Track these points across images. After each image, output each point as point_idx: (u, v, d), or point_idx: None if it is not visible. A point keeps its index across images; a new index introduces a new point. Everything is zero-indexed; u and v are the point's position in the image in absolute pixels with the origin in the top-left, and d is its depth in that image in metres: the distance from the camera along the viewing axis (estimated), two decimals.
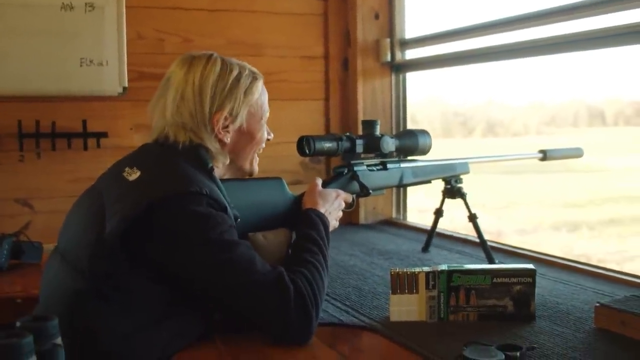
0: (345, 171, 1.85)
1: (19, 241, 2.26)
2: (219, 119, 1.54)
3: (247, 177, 1.70)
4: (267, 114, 1.68)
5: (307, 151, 1.77)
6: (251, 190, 1.67)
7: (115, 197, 1.43)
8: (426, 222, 2.58)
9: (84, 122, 2.58)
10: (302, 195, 1.74)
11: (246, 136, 1.62)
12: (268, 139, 1.72)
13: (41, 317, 1.02)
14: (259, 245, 1.58)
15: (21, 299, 1.98)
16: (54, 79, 2.57)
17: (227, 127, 1.56)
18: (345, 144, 1.83)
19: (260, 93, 1.65)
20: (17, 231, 2.39)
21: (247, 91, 1.59)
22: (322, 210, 1.68)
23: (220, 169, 1.60)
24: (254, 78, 1.63)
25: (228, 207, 1.47)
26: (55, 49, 2.57)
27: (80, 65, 2.60)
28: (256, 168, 1.71)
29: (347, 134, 1.88)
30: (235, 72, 1.58)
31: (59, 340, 1.01)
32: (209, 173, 1.51)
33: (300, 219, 1.65)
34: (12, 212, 2.55)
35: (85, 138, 2.58)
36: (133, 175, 1.45)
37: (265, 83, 2.84)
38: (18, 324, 1.00)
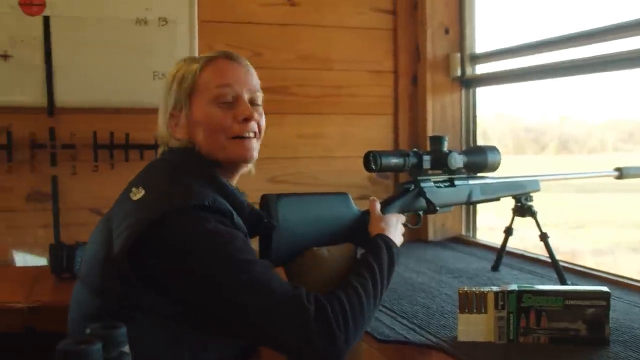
0: (412, 187, 1.83)
1: None
2: (170, 118, 1.56)
3: (243, 164, 1.59)
4: (226, 91, 1.53)
5: (373, 167, 1.75)
6: (316, 205, 1.66)
7: (121, 218, 1.42)
8: (496, 240, 2.53)
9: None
10: (368, 212, 1.71)
11: (197, 126, 1.53)
12: (244, 120, 1.53)
13: (110, 324, 1.03)
14: (322, 258, 1.57)
15: None
16: (128, 91, 2.64)
17: (176, 123, 1.55)
18: (412, 160, 1.81)
19: (204, 72, 1.53)
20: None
21: (183, 79, 1.54)
22: (389, 235, 1.62)
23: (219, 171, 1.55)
24: (192, 62, 1.58)
25: (235, 215, 1.43)
26: (129, 63, 2.64)
27: (154, 79, 2.66)
28: (240, 153, 1.54)
29: (414, 149, 1.86)
30: (175, 68, 1.58)
31: (126, 349, 1.02)
32: (213, 181, 1.47)
33: (367, 244, 1.61)
34: (86, 221, 2.60)
35: (156, 149, 2.61)
36: (138, 194, 1.43)
37: (334, 96, 2.90)
38: (88, 331, 1.02)
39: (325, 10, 2.90)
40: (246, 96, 1.54)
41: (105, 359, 0.97)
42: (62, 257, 2.25)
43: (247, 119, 1.52)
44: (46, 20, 2.56)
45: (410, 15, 2.98)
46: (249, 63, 1.61)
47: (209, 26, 2.73)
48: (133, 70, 2.64)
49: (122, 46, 2.63)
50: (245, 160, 1.55)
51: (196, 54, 2.66)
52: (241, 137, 1.53)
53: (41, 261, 2.59)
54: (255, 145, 1.56)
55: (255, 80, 1.59)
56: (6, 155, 2.53)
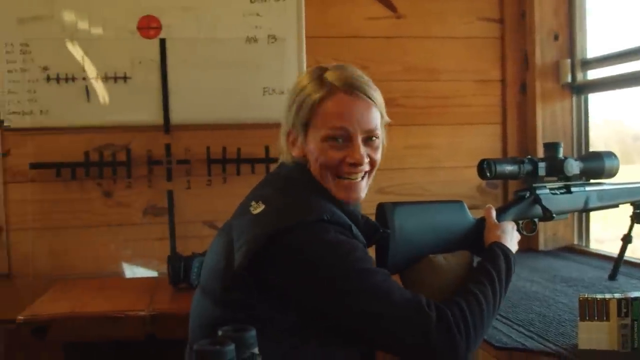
0: (527, 194, 1.80)
1: None
2: (289, 133, 1.54)
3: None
4: (339, 132, 1.46)
5: (487, 174, 1.74)
6: (431, 213, 1.66)
7: (242, 231, 1.44)
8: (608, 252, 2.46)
9: (266, 148, 2.70)
10: (483, 219, 1.70)
11: (310, 154, 1.50)
12: (350, 163, 1.47)
13: (241, 327, 1.07)
14: (439, 266, 1.57)
15: None
16: (239, 107, 2.72)
17: (293, 142, 1.53)
18: (527, 167, 1.79)
19: (319, 108, 1.46)
20: (205, 251, 2.53)
21: (300, 107, 1.48)
22: (506, 243, 1.61)
23: None
24: (313, 91, 1.47)
25: (353, 227, 1.43)
26: (240, 80, 2.73)
27: (263, 94, 2.73)
28: (344, 195, 1.50)
29: (529, 156, 1.83)
30: (301, 85, 1.51)
31: (256, 350, 1.05)
32: (327, 192, 1.48)
33: (484, 252, 1.60)
34: (200, 234, 2.70)
35: (267, 163, 2.70)
36: (258, 209, 1.44)
37: (441, 107, 2.90)
38: (220, 332, 1.05)
39: (431, 21, 2.90)
40: (360, 137, 1.47)
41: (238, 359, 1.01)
42: (179, 268, 2.33)
43: (356, 164, 1.47)
44: (162, 43, 2.68)
45: (518, 23, 2.94)
46: (373, 92, 1.49)
47: (316, 41, 2.78)
48: (244, 87, 2.72)
49: (233, 64, 2.72)
50: (349, 202, 1.51)
51: (304, 69, 2.72)
52: (348, 179, 1.49)
53: (149, 273, 2.71)
54: (362, 186, 1.51)
55: (373, 115, 1.49)
56: (126, 172, 2.65)
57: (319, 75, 1.49)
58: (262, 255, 1.35)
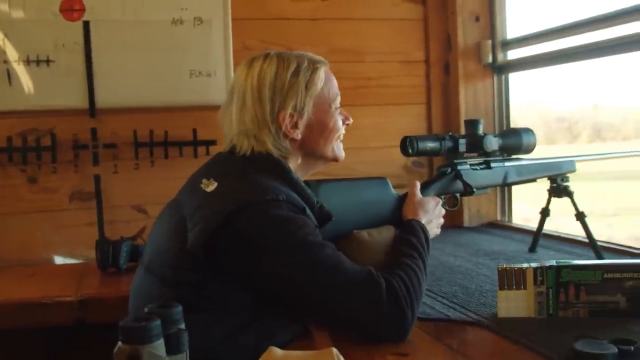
0: (449, 170, 1.86)
1: (136, 244, 2.39)
2: (284, 118, 1.53)
3: (333, 162, 1.68)
4: (338, 99, 1.65)
5: (410, 151, 1.79)
6: (355, 190, 1.70)
7: (194, 208, 1.45)
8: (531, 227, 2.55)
9: (194, 130, 2.69)
10: (406, 195, 1.75)
11: (318, 128, 1.59)
12: (347, 124, 1.69)
13: (167, 304, 1.08)
14: (363, 242, 1.61)
15: None
16: (165, 90, 2.70)
17: (295, 124, 1.55)
18: (448, 144, 1.85)
19: (324, 81, 1.60)
20: (134, 235, 2.53)
21: (309, 83, 1.55)
22: (424, 221, 1.67)
23: (296, 167, 1.60)
24: (314, 68, 1.58)
25: (307, 209, 1.48)
26: (166, 62, 2.71)
27: (190, 77, 2.72)
28: (341, 153, 1.68)
29: (450, 133, 1.89)
30: (292, 67, 1.55)
31: (182, 326, 1.07)
32: (286, 177, 1.51)
33: (402, 226, 1.66)
34: (129, 218, 2.69)
35: (195, 146, 2.69)
36: (210, 186, 1.46)
37: (367, 88, 2.93)
38: (146, 309, 1.07)
39: (356, 3, 2.93)
40: None
41: (165, 335, 1.02)
42: (108, 252, 2.32)
43: (349, 124, 1.69)
44: (86, 25, 2.63)
45: (441, 5, 3.00)
46: None
47: (243, 24, 2.78)
48: (170, 70, 2.70)
49: (159, 47, 2.70)
50: (342, 158, 1.68)
51: (231, 51, 2.73)
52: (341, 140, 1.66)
53: (78, 260, 2.67)
54: None
55: None
56: (51, 157, 2.61)
57: (299, 55, 1.59)
58: (217, 234, 1.37)
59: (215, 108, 2.65)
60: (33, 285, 2.30)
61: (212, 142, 2.70)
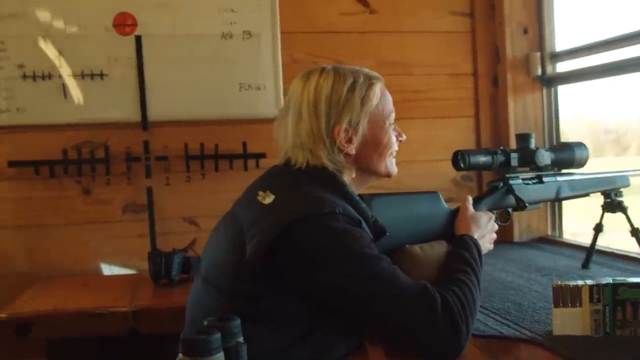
0: (501, 185, 1.85)
1: (188, 256, 2.42)
2: (339, 132, 1.53)
3: (385, 177, 1.68)
4: (393, 115, 1.65)
5: (461, 165, 1.79)
6: (408, 204, 1.70)
7: (252, 220, 1.46)
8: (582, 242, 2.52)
9: (244, 144, 2.73)
10: (458, 209, 1.74)
11: (372, 143, 1.59)
12: (400, 140, 1.69)
13: (226, 317, 1.10)
14: (415, 256, 1.61)
15: None
16: (216, 103, 2.75)
17: (350, 139, 1.55)
18: (500, 158, 1.84)
19: (380, 97, 1.59)
20: (185, 247, 2.57)
21: (364, 99, 1.55)
22: (476, 236, 1.66)
23: (350, 181, 1.60)
24: (370, 84, 1.58)
25: (363, 222, 1.48)
26: (216, 76, 2.75)
27: (240, 90, 2.76)
28: (394, 169, 1.68)
29: (501, 147, 1.88)
30: (349, 82, 1.55)
31: (241, 339, 1.09)
32: (341, 191, 1.52)
33: (455, 241, 1.65)
34: (180, 230, 2.73)
35: (245, 159, 2.73)
36: (267, 199, 1.47)
37: (414, 101, 2.93)
38: (206, 322, 1.09)
39: (404, 16, 2.95)
40: None
41: (224, 348, 1.04)
42: (160, 264, 2.36)
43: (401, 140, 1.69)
44: (138, 40, 2.70)
45: (488, 16, 2.99)
46: None
47: (291, 37, 2.82)
48: (220, 83, 2.75)
49: (209, 61, 2.75)
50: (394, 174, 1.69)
51: (280, 65, 2.76)
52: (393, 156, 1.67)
53: (130, 270, 2.73)
54: None
55: None
56: (104, 169, 2.67)
57: (355, 70, 1.59)
58: (274, 246, 1.38)
59: (264, 121, 2.74)
60: (87, 295, 2.35)
61: (262, 155, 2.72)
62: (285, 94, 2.71)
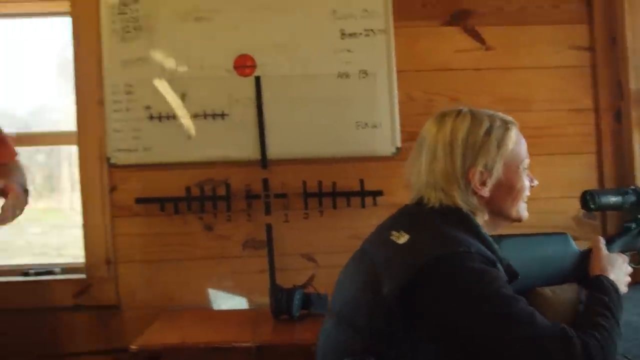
0: (634, 226, 1.79)
1: (308, 293, 2.45)
2: (474, 174, 1.53)
3: (516, 222, 1.66)
4: (527, 161, 1.64)
5: (591, 206, 1.75)
6: (537, 246, 1.68)
7: (387, 260, 1.47)
8: None
9: (361, 181, 2.75)
10: (589, 251, 1.70)
11: (505, 188, 1.58)
12: (533, 185, 1.68)
13: (363, 357, 1.11)
14: (547, 299, 1.58)
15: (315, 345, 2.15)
16: (333, 142, 2.79)
17: (484, 181, 1.55)
18: (631, 198, 1.78)
19: (515, 142, 1.60)
20: (304, 283, 2.61)
21: (500, 143, 1.56)
22: (612, 277, 1.61)
23: (482, 224, 1.58)
24: (506, 128, 1.59)
25: (497, 263, 1.47)
26: (333, 114, 2.80)
27: (356, 128, 2.79)
28: (525, 214, 1.67)
29: (633, 187, 1.82)
30: (485, 125, 1.56)
31: None
32: (474, 231, 1.51)
33: (590, 283, 1.60)
34: (299, 266, 2.77)
35: (362, 197, 2.75)
36: (401, 238, 1.48)
37: (534, 138, 2.83)
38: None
39: (521, 52, 2.91)
40: None
41: None
42: (281, 300, 2.40)
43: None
44: (257, 81, 2.79)
45: (610, 50, 2.91)
46: None
47: (407, 75, 2.84)
48: (337, 122, 2.79)
49: (326, 100, 2.80)
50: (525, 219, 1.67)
51: (396, 103, 2.78)
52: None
53: (250, 305, 2.79)
54: None
55: None
56: (225, 206, 2.75)
57: (491, 114, 1.61)
58: (410, 286, 1.39)
59: (381, 159, 2.77)
60: (210, 329, 2.42)
61: (379, 193, 2.74)
62: (402, 131, 2.77)
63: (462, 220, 1.53)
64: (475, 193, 1.56)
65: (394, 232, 1.52)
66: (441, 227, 1.50)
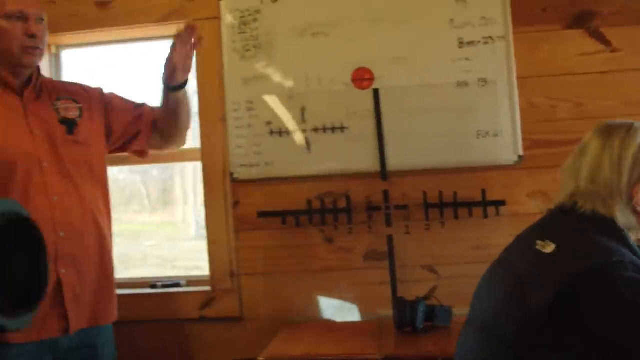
0: None
1: (432, 305, 2.42)
2: (637, 192, 1.49)
3: None
4: None
5: None
6: None
7: (533, 270, 1.45)
8: None
9: (483, 191, 2.70)
10: None
11: None
12: None
13: None
14: None
15: (441, 358, 2.12)
16: (453, 151, 2.75)
17: None
18: None
19: None
20: (426, 295, 2.57)
21: None
22: None
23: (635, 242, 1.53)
24: None
25: None
26: (453, 124, 2.77)
27: (477, 137, 2.75)
28: None
29: None
30: None
31: None
32: (624, 241, 1.46)
33: None
34: (419, 278, 2.75)
35: (484, 207, 2.69)
36: (547, 248, 1.45)
37: None
38: None
39: None
40: None
41: None
42: (405, 312, 2.38)
43: None
44: (376, 93, 2.79)
45: None
46: None
47: (528, 82, 2.77)
48: (457, 131, 2.76)
49: (445, 109, 2.77)
50: None
51: (517, 110, 2.72)
52: None
53: (371, 317, 2.77)
54: None
55: None
56: (346, 218, 2.76)
57: None
58: (561, 296, 1.36)
59: (503, 167, 2.71)
60: (333, 341, 2.42)
61: (502, 203, 2.68)
62: (524, 139, 2.70)
63: (611, 229, 1.48)
64: (635, 211, 1.51)
65: (538, 242, 1.49)
66: (591, 236, 1.46)
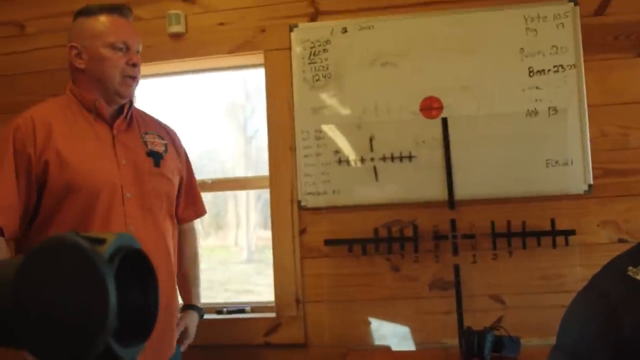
0: None
1: (499, 335, 2.39)
2: None
3: None
4: None
5: None
6: None
7: (625, 298, 1.41)
8: None
9: (552, 220, 2.66)
10: None
11: None
12: None
13: None
14: None
15: None
16: (522, 180, 2.73)
17: None
18: None
19: None
20: (493, 325, 2.54)
21: None
22: None
23: None
24: None
25: None
26: (522, 153, 2.74)
27: (546, 166, 2.71)
28: None
29: None
30: None
31: None
32: None
33: None
34: (486, 307, 2.71)
35: (554, 236, 2.65)
36: (639, 274, 1.43)
37: None
38: None
39: None
40: None
41: None
42: (473, 342, 2.35)
43: None
44: (444, 122, 2.80)
45: None
46: None
47: (599, 110, 2.73)
48: (526, 160, 2.73)
49: (513, 138, 2.75)
50: None
51: (588, 139, 2.69)
52: None
53: (436, 346, 2.74)
54: None
55: None
56: (413, 247, 2.75)
57: None
58: None
59: (573, 197, 2.67)
60: None
61: (571, 232, 2.64)
62: (594, 168, 2.65)
63: None
64: None
65: (630, 268, 1.46)
66: None
